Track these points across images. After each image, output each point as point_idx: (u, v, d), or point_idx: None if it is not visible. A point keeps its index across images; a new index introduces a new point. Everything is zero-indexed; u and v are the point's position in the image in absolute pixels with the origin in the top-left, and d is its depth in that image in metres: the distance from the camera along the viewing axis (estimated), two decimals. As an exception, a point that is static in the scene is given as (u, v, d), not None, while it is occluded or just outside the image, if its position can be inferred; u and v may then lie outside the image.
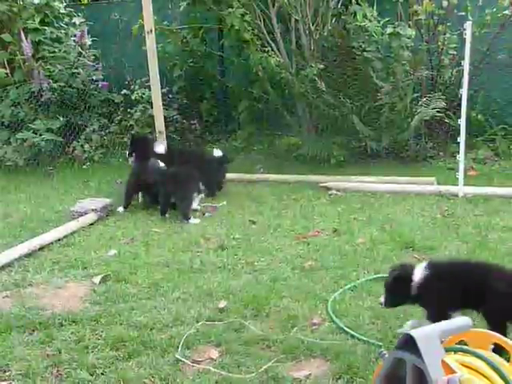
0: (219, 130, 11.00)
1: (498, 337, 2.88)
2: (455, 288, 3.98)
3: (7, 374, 3.75)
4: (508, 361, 2.80)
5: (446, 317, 3.92)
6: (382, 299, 4.12)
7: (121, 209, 7.33)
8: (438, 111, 8.29)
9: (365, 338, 4.01)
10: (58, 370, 3.78)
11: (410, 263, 4.33)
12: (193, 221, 6.81)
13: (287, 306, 4.57)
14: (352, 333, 4.09)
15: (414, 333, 2.45)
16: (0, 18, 10.13)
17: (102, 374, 3.73)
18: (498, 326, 3.78)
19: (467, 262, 4.63)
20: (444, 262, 4.52)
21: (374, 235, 6.05)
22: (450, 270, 4.14)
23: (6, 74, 10.21)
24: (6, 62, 10.24)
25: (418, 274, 4.02)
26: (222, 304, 4.61)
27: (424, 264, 4.10)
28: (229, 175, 8.23)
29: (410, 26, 8.68)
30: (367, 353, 3.82)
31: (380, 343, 3.91)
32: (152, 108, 9.09)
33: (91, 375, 3.71)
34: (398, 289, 4.06)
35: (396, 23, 8.64)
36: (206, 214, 7.09)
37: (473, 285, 3.95)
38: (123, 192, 7.47)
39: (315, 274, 5.14)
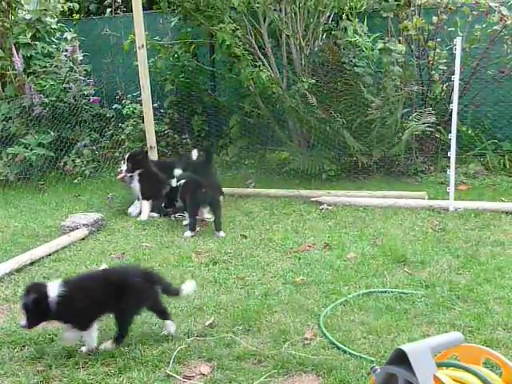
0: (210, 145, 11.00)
1: (490, 352, 2.88)
2: (91, 298, 4.16)
3: (-3, 390, 3.74)
4: (500, 376, 2.80)
5: (90, 326, 4.19)
6: (23, 322, 4.11)
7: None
8: (428, 126, 8.34)
9: (357, 353, 4.00)
10: (48, 386, 3.77)
11: (41, 283, 4.41)
12: (187, 234, 6.86)
13: (279, 320, 4.57)
14: (344, 348, 4.08)
15: (406, 348, 2.45)
16: (-9, 32, 10.16)
17: (93, 389, 3.72)
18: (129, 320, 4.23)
19: (102, 272, 4.86)
20: (77, 277, 4.69)
21: (365, 250, 6.06)
22: (83, 284, 4.31)
23: (-3, 88, 10.23)
24: (-3, 77, 10.25)
25: (54, 291, 4.09)
26: (213, 319, 4.61)
27: (58, 282, 4.20)
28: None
29: (400, 42, 8.73)
30: (359, 368, 3.82)
31: (372, 358, 3.90)
32: (143, 122, 9.10)
33: (82, 391, 3.70)
34: (38, 308, 4.07)
35: (386, 39, 8.69)
36: (197, 229, 7.08)
37: (109, 291, 4.21)
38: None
39: (307, 289, 5.14)
